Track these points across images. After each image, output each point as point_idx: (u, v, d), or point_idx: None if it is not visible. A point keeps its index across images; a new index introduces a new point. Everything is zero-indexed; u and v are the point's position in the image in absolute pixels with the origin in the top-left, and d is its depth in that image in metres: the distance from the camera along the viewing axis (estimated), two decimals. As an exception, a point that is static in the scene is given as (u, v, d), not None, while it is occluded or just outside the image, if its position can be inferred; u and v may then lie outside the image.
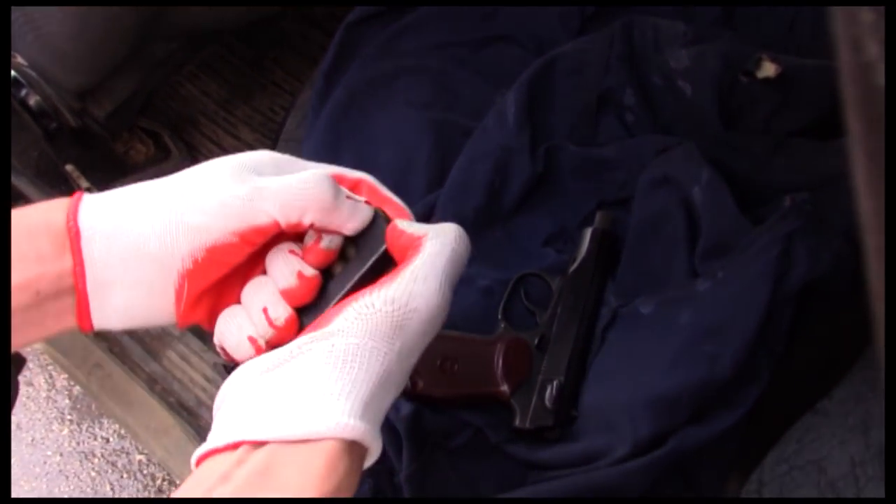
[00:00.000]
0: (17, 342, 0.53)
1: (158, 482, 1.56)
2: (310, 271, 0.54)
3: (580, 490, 0.75)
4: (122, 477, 1.58)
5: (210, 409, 1.07)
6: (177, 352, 1.10)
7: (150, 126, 1.41)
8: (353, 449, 0.48)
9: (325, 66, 0.97)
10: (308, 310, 0.54)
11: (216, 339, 0.55)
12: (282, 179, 0.53)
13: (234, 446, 0.47)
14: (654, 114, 0.89)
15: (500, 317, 0.82)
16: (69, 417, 1.65)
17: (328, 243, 0.55)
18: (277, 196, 0.52)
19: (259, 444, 0.47)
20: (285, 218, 0.52)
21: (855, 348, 0.73)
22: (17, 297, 0.50)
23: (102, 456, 1.61)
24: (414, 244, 0.53)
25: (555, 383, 0.78)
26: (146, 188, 0.54)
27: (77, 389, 1.66)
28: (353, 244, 0.56)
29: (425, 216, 0.84)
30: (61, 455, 1.61)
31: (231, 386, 0.51)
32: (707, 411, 0.73)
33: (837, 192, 0.82)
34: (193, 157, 1.41)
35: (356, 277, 0.54)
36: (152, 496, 1.56)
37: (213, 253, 0.52)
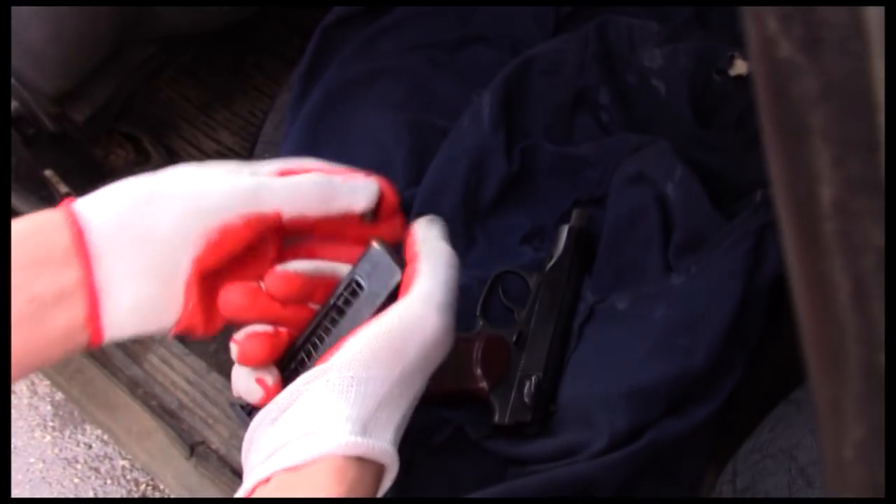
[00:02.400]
0: (17, 372, 0.51)
1: (142, 487, 1.56)
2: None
3: (559, 484, 0.76)
4: (105, 483, 1.58)
5: (192, 411, 1.08)
6: (158, 355, 1.10)
7: (130, 130, 1.41)
8: (362, 465, 0.50)
9: (302, 68, 0.98)
10: (321, 351, 0.56)
11: (234, 392, 0.57)
12: (284, 178, 0.55)
13: (252, 491, 0.50)
14: (628, 112, 0.91)
15: (478, 314, 0.83)
16: (51, 424, 1.64)
17: (290, 266, 0.56)
18: (281, 189, 0.54)
19: (268, 480, 0.50)
20: (288, 210, 0.54)
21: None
22: (18, 307, 0.49)
23: (85, 462, 1.60)
24: (410, 272, 0.55)
25: (533, 379, 0.79)
26: (142, 182, 0.54)
27: (59, 396, 1.65)
28: (360, 281, 0.57)
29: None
30: (44, 462, 1.61)
31: (250, 438, 0.54)
32: (683, 404, 0.74)
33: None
34: (173, 161, 1.41)
35: (369, 314, 0.56)
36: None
37: (224, 234, 0.53)
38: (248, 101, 1.49)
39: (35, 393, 1.67)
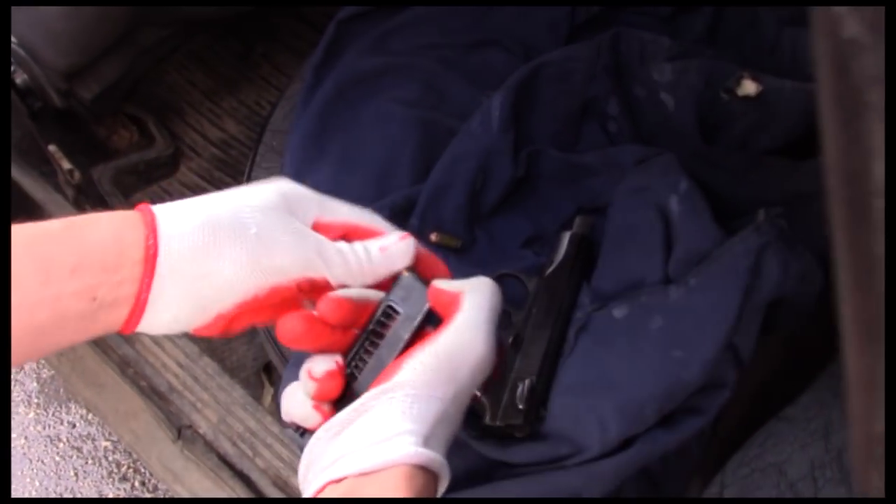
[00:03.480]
0: (58, 347, 0.55)
1: (124, 469, 1.56)
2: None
3: (546, 488, 0.76)
4: (86, 463, 1.57)
5: (181, 394, 1.08)
6: (151, 336, 1.10)
7: (136, 112, 1.41)
8: (425, 475, 0.54)
9: (316, 60, 0.98)
10: (366, 372, 0.61)
11: (285, 417, 0.62)
12: (339, 249, 0.60)
13: (321, 490, 0.53)
14: (635, 124, 0.91)
15: (475, 315, 0.83)
16: (35, 401, 1.64)
17: (341, 294, 0.60)
18: (335, 263, 0.59)
19: (339, 481, 0.53)
20: (336, 280, 0.59)
21: (819, 361, 0.75)
22: (76, 305, 0.52)
23: (68, 441, 1.60)
24: (454, 301, 0.60)
25: (526, 382, 0.79)
26: (223, 215, 0.56)
27: (45, 373, 1.65)
28: (395, 306, 0.62)
29: (406, 209, 0.85)
30: (26, 438, 1.60)
31: (309, 453, 0.57)
32: (675, 416, 0.75)
33: (809, 210, 0.84)
34: (177, 145, 1.41)
35: (408, 336, 0.61)
36: (117, 483, 1.55)
37: (273, 293, 0.57)
38: (254, 90, 1.49)
39: (21, 368, 1.67)
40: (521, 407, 0.79)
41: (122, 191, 1.29)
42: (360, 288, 0.61)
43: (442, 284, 0.62)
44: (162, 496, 1.54)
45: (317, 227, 0.60)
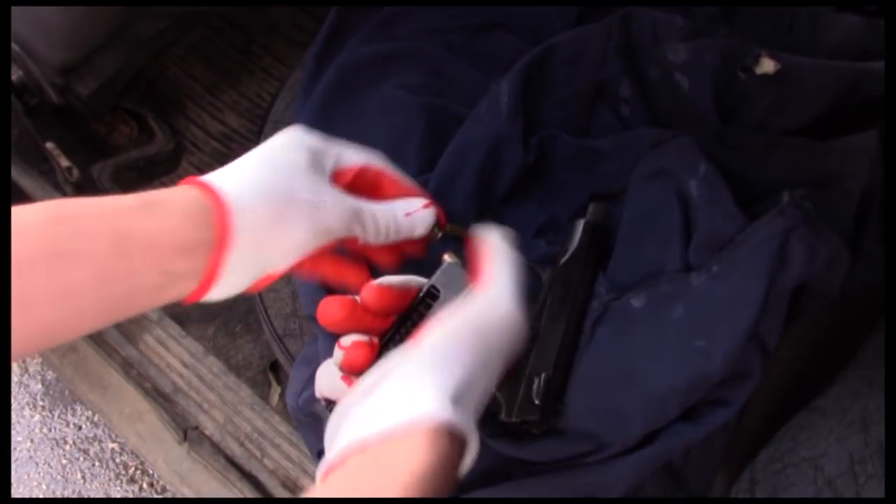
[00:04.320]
0: (125, 316, 0.56)
1: (131, 471, 1.53)
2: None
3: (565, 486, 0.74)
4: (93, 465, 1.55)
5: (186, 395, 1.05)
6: (154, 336, 1.08)
7: (134, 107, 1.38)
8: (451, 438, 0.52)
9: (317, 47, 0.95)
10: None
11: (317, 393, 0.63)
12: (373, 210, 0.64)
13: (343, 459, 0.51)
14: (649, 107, 0.88)
15: (488, 307, 0.80)
16: (41, 403, 1.62)
17: (384, 281, 0.64)
18: (369, 223, 0.63)
19: (363, 451, 0.51)
20: (364, 241, 0.64)
21: (847, 348, 0.72)
22: (149, 279, 0.54)
23: (74, 443, 1.58)
24: (486, 258, 0.61)
25: (542, 377, 0.76)
26: (291, 187, 0.60)
27: (50, 375, 1.63)
28: (434, 290, 0.64)
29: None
30: (32, 441, 1.58)
31: (336, 417, 0.56)
32: (698, 408, 0.72)
33: (834, 191, 0.81)
34: (177, 140, 1.38)
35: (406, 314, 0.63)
36: (125, 485, 1.53)
37: (321, 252, 0.62)
38: (255, 82, 1.47)
39: (26, 371, 1.65)
40: (537, 402, 0.76)
41: (122, 188, 1.27)
42: (396, 275, 0.64)
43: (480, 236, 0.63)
44: (171, 497, 1.52)
45: (335, 174, 0.64)
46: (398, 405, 0.52)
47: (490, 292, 0.59)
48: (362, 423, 0.52)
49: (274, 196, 0.58)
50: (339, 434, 0.54)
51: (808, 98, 0.85)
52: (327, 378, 0.62)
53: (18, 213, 0.51)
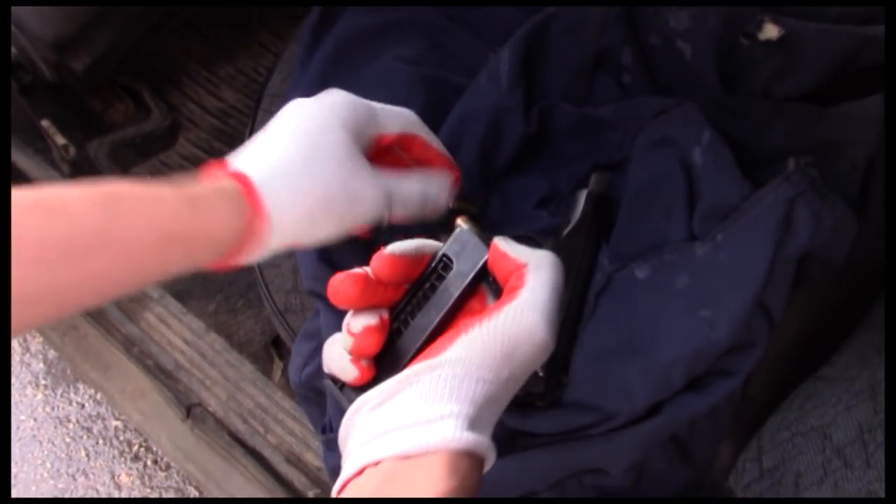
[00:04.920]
0: (171, 273, 0.58)
1: (135, 448, 1.54)
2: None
3: (569, 459, 0.73)
4: (97, 443, 1.55)
5: (189, 372, 1.05)
6: (154, 314, 1.07)
7: (130, 84, 1.37)
8: (470, 459, 0.51)
9: (313, 19, 0.94)
10: (411, 329, 0.60)
11: (325, 368, 0.61)
12: (403, 187, 0.67)
13: (359, 472, 0.50)
14: (651, 75, 0.87)
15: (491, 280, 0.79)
16: (43, 382, 1.62)
17: (396, 249, 0.61)
18: (398, 202, 0.66)
19: (377, 464, 0.50)
20: (392, 220, 0.67)
21: (854, 315, 0.71)
22: (181, 268, 0.57)
23: (77, 421, 1.58)
24: (517, 272, 0.57)
25: (546, 349, 0.76)
26: (317, 187, 0.61)
27: (52, 353, 1.62)
28: (447, 259, 0.61)
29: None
30: (35, 420, 1.58)
31: (349, 421, 0.55)
32: (704, 378, 0.71)
33: (837, 158, 0.80)
34: (174, 117, 1.37)
35: (458, 293, 0.59)
36: (129, 462, 1.53)
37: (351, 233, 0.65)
38: (251, 57, 1.45)
39: (27, 350, 1.64)
40: (541, 374, 0.75)
41: (119, 165, 1.26)
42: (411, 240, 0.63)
43: (505, 247, 0.59)
44: (176, 474, 1.52)
45: (374, 142, 0.66)
46: (418, 426, 0.50)
47: (524, 309, 0.55)
48: (379, 438, 0.51)
49: (312, 197, 0.60)
50: (352, 438, 0.53)
51: (812, 64, 0.83)
52: (336, 357, 0.60)
53: (63, 193, 0.51)
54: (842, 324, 0.73)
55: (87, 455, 1.55)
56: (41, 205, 0.50)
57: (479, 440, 0.51)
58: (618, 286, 0.76)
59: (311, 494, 0.96)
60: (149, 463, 1.53)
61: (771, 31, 0.84)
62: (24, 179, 1.17)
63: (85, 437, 1.57)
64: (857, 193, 0.78)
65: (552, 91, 0.86)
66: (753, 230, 0.69)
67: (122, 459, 1.54)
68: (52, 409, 1.60)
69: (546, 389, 0.75)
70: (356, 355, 0.59)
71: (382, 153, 0.70)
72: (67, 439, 1.57)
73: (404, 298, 0.61)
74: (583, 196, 0.81)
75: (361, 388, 0.58)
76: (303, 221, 0.60)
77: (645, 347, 0.71)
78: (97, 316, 1.08)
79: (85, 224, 0.51)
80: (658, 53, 0.87)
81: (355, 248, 0.79)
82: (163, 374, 1.04)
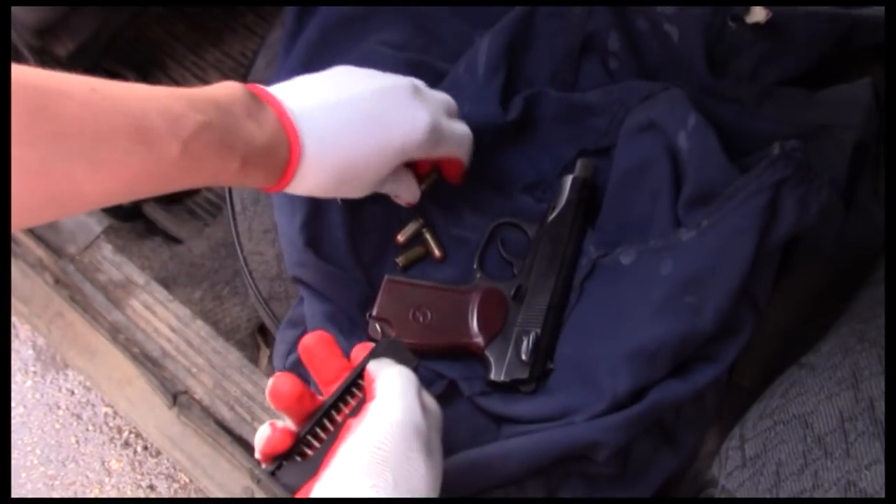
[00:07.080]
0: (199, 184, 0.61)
1: (125, 435, 1.53)
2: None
3: (554, 444, 0.73)
4: (87, 429, 1.55)
5: (175, 360, 1.04)
6: (140, 301, 1.06)
7: (116, 69, 1.35)
8: None
9: (297, 4, 0.93)
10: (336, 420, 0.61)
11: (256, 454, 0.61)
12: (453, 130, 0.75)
13: None
14: (638, 59, 0.86)
15: (475, 266, 0.79)
16: (32, 369, 1.61)
17: None
18: (445, 145, 0.74)
19: None
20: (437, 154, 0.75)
21: (840, 302, 0.70)
22: (230, 181, 0.62)
23: (67, 408, 1.57)
24: (370, 385, 0.60)
25: (531, 335, 0.76)
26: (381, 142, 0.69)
27: (41, 340, 1.62)
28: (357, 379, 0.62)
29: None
30: (24, 407, 1.58)
31: None
32: (688, 365, 0.71)
33: (825, 142, 0.79)
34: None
35: (332, 400, 0.61)
36: (119, 449, 1.53)
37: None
38: (238, 40, 1.43)
39: (16, 336, 1.63)
40: (525, 360, 0.75)
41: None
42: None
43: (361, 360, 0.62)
44: (166, 460, 1.52)
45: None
46: None
47: (376, 404, 0.57)
48: None
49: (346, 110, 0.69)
50: None
51: (801, 47, 0.83)
52: (260, 428, 0.61)
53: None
54: (828, 310, 0.73)
55: (77, 441, 1.55)
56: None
57: None
58: (603, 272, 0.76)
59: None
60: (139, 449, 1.53)
61: (759, 15, 0.83)
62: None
63: (75, 423, 1.57)
64: (844, 178, 0.77)
65: (538, 77, 0.85)
66: (738, 216, 0.68)
67: (113, 446, 1.54)
68: (42, 395, 1.59)
69: (531, 376, 0.75)
70: (272, 398, 0.59)
71: None
72: (57, 426, 1.57)
73: (314, 417, 0.61)
74: (568, 182, 0.80)
75: (294, 473, 0.59)
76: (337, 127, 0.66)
77: (629, 333, 0.71)
78: (83, 303, 1.07)
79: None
80: (645, 37, 0.86)
81: (348, 244, 0.78)
82: (149, 362, 1.03)
